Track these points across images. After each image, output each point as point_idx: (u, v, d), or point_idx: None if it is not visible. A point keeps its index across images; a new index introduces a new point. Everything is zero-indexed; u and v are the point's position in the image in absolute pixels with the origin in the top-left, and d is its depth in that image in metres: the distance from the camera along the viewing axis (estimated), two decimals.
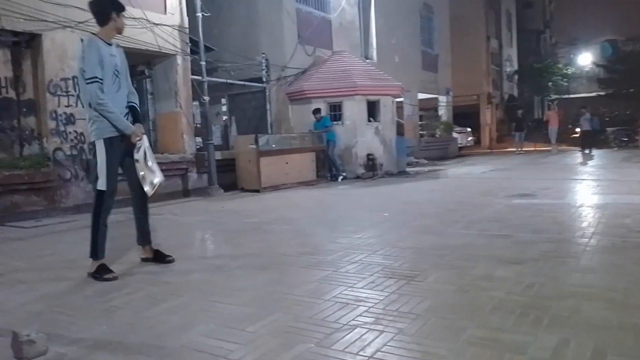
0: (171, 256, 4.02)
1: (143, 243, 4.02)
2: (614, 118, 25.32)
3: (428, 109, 21.87)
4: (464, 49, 24.66)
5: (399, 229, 5.07)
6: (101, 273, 3.58)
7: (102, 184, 3.60)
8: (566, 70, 34.32)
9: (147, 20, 8.50)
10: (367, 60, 14.97)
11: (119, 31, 3.80)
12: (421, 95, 19.43)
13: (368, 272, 3.44)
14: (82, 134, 7.66)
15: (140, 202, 3.89)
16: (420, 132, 19.72)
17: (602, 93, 30.85)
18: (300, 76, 12.41)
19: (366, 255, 3.93)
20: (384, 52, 16.22)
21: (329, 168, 11.50)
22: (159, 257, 4.00)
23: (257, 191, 9.45)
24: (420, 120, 20.09)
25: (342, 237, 4.70)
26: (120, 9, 3.76)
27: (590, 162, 13.55)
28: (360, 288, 3.07)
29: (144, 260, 4.05)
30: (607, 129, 22.06)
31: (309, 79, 12.05)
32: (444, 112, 21.60)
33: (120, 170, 3.77)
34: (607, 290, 2.85)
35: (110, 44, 3.71)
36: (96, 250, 3.64)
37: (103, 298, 3.13)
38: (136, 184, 3.77)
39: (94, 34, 3.76)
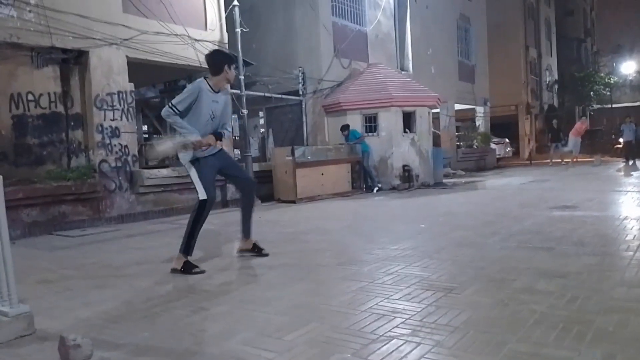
0: (265, 250, 4.59)
1: (246, 236, 4.60)
2: None
3: (465, 119, 21.59)
4: (502, 58, 24.33)
5: (436, 240, 5.02)
6: (190, 268, 4.02)
7: (202, 194, 4.06)
8: (608, 79, 33.32)
9: (188, 36, 8.77)
10: (403, 72, 14.95)
11: (229, 82, 4.35)
12: (458, 106, 19.21)
13: (405, 283, 3.42)
14: (126, 146, 7.93)
15: (249, 203, 4.54)
16: (457, 143, 19.47)
17: None
18: (336, 89, 12.50)
19: (403, 266, 3.92)
20: (420, 63, 16.16)
21: (364, 179, 11.50)
22: (257, 250, 4.59)
23: (293, 202, 9.54)
24: (457, 131, 19.85)
25: (378, 248, 4.70)
26: (232, 62, 4.30)
27: (634, 174, 13.06)
28: (397, 299, 3.07)
29: (242, 251, 4.66)
30: None
31: (345, 91, 12.13)
32: (481, 123, 21.29)
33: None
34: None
35: (216, 92, 4.16)
36: (189, 248, 4.09)
37: (145, 305, 3.23)
38: (246, 189, 4.53)
39: (205, 77, 4.20)
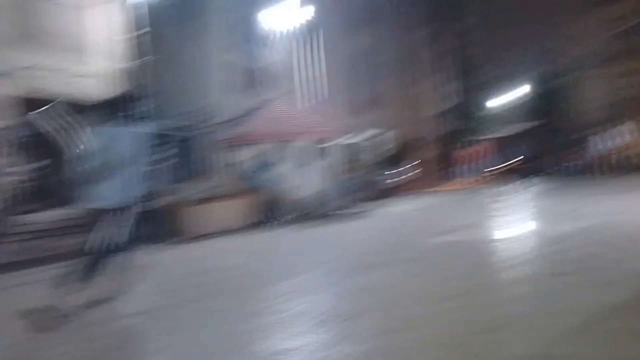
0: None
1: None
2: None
3: (367, 148, 22.21)
4: (408, 86, 25.41)
5: (339, 270, 5.17)
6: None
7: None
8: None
9: (74, 68, 8.35)
10: (317, 102, 15.09)
11: None
12: (366, 134, 19.83)
13: (301, 319, 3.51)
14: None
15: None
16: (361, 171, 19.93)
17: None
18: (243, 120, 12.10)
19: (304, 300, 4.00)
20: (333, 93, 16.32)
21: (268, 212, 11.36)
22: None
23: (190, 240, 8.80)
24: (362, 158, 20.37)
25: (279, 283, 4.73)
26: None
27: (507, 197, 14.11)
28: (294, 335, 3.16)
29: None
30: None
31: (253, 122, 11.71)
32: (386, 149, 22.08)
33: None
34: (527, 320, 3.07)
35: None
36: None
37: None
38: None
39: None
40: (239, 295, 4.46)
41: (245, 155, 11.59)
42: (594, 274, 4.04)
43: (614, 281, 3.76)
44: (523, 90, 38.11)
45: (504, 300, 3.63)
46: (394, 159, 23.78)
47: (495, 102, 38.33)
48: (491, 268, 4.80)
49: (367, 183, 19.80)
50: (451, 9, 37.36)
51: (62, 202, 9.64)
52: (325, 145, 12.41)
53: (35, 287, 5.47)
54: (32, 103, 7.92)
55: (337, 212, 12.58)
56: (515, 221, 8.37)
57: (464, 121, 34.10)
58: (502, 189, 16.96)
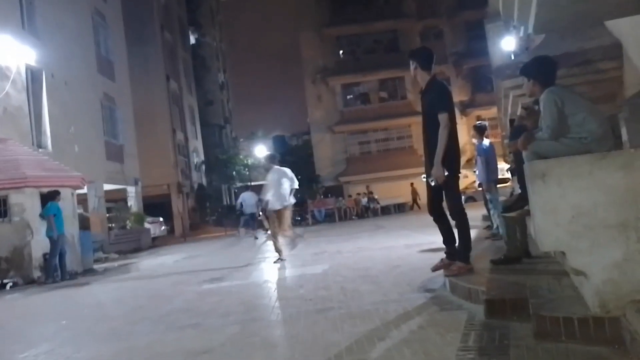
0: None
1: None
2: None
3: (117, 200, 20.86)
4: (151, 140, 24.96)
5: (78, 338, 4.40)
6: None
7: None
8: (247, 161, 38.38)
9: None
10: (41, 150, 13.50)
11: None
12: (108, 186, 18.46)
13: None
14: None
15: None
16: (109, 225, 18.53)
17: None
18: None
19: None
20: (62, 141, 14.94)
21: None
22: None
23: None
24: (108, 212, 18.93)
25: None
26: None
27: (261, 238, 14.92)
28: None
29: None
30: None
31: None
32: (133, 203, 20.95)
33: None
34: None
35: None
36: None
37: None
38: None
39: None
40: None
41: None
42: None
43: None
44: (274, 144, 41.70)
45: (266, 345, 3.55)
46: (150, 211, 22.87)
47: (249, 156, 40.99)
48: (257, 312, 4.71)
49: (127, 235, 18.54)
50: (203, 67, 38.93)
51: None
52: (61, 195, 11.06)
53: None
54: None
55: (89, 269, 11.35)
56: (276, 263, 8.69)
57: (219, 173, 35.28)
58: (259, 235, 17.78)
